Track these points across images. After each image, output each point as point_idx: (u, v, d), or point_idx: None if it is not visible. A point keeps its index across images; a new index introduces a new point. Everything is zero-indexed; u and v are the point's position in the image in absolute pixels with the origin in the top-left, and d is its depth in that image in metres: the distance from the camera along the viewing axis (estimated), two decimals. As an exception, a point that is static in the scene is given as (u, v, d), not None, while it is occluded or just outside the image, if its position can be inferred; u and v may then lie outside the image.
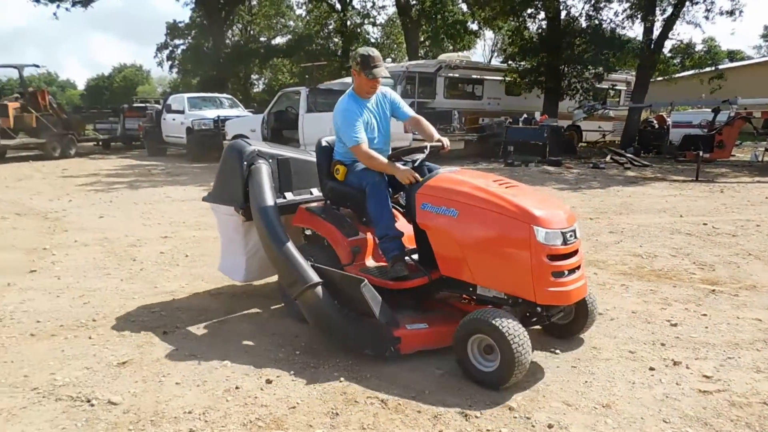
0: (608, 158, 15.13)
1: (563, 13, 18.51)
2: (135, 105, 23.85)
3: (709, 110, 15.51)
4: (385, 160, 3.56)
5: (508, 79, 18.50)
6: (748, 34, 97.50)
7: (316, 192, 4.28)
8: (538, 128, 15.03)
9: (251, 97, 36.60)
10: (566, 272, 3.05)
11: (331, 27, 34.41)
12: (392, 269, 3.49)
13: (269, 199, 3.74)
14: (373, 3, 33.23)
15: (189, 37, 33.32)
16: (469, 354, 3.00)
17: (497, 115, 17.25)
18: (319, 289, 3.33)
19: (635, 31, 18.86)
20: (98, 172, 14.00)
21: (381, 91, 3.84)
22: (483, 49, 48.14)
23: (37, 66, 21.71)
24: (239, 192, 3.94)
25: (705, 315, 3.99)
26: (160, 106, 19.48)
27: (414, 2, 27.01)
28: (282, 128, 13.48)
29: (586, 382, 3.00)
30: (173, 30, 33.34)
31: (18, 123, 17.65)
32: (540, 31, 19.08)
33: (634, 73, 19.80)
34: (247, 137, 12.85)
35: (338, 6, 33.21)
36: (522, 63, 18.76)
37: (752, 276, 4.93)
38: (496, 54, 41.99)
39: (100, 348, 3.50)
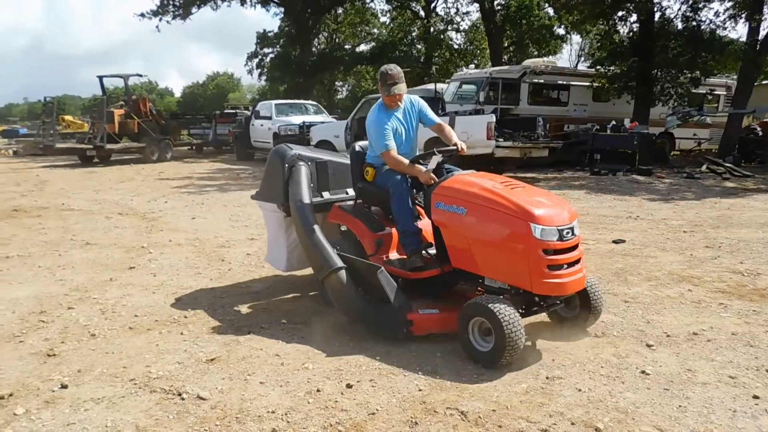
0: (704, 168, 14.24)
1: (657, 15, 17.64)
2: (226, 111, 24.97)
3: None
4: (408, 163, 3.95)
5: (595, 84, 17.86)
6: None
7: (351, 192, 4.65)
8: (627, 135, 14.39)
9: (335, 104, 37.42)
10: (563, 266, 3.35)
11: (414, 34, 34.57)
12: (409, 261, 3.90)
13: (305, 196, 4.20)
14: (457, 9, 33.10)
15: (277, 46, 34.47)
16: (470, 335, 3.36)
17: (583, 121, 16.68)
18: (343, 273, 3.76)
19: (738, 31, 17.68)
20: (191, 175, 14.75)
21: (411, 99, 4.22)
22: (569, 53, 46.79)
23: (140, 75, 23.23)
24: (281, 191, 4.41)
25: (816, 340, 3.66)
26: (249, 113, 20.28)
27: (499, 8, 26.67)
28: (365, 134, 13.62)
29: (680, 406, 2.83)
30: (263, 39, 34.63)
31: (122, 128, 18.96)
32: (631, 34, 18.29)
33: (735, 77, 18.56)
34: (330, 143, 13.16)
35: (422, 13, 33.35)
36: (611, 68, 18.05)
37: None
38: (583, 59, 40.67)
39: (190, 344, 3.67)
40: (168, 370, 3.28)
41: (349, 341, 3.69)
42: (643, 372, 3.20)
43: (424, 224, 4.08)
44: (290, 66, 31.66)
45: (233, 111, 24.76)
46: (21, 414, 2.81)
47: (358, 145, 4.42)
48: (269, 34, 34.46)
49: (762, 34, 16.55)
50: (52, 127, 20.16)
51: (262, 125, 17.71)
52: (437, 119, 4.25)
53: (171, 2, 27.28)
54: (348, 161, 4.56)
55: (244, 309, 4.37)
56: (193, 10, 27.86)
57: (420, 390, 3.01)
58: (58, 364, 3.38)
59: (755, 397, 2.91)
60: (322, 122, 16.61)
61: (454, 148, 3.99)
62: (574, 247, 3.43)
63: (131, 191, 11.53)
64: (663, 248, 6.30)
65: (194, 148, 23.42)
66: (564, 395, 2.94)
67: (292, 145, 4.74)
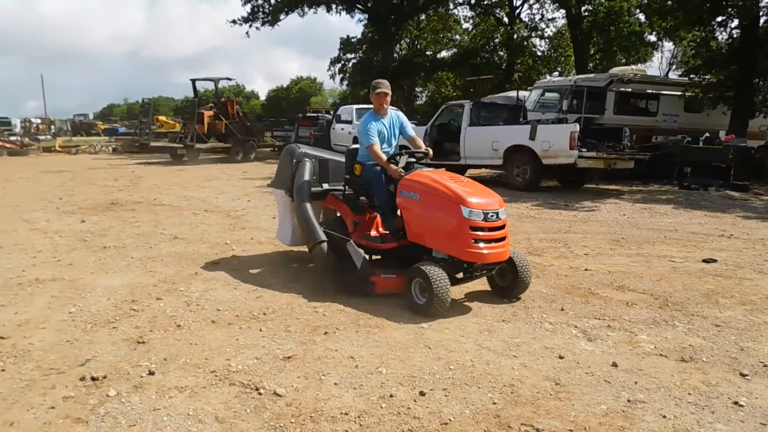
0: (809, 185, 13.19)
1: (762, 20, 16.52)
2: (307, 115, 25.61)
3: None
4: (385, 159, 5.01)
5: (688, 94, 16.95)
6: None
7: None
8: (722, 148, 13.55)
9: (414, 109, 37.50)
10: (486, 240, 4.33)
11: (497, 40, 34.11)
12: (387, 225, 5.03)
13: (305, 185, 5.33)
14: (542, 15, 32.40)
15: (360, 52, 34.96)
16: (412, 292, 4.37)
17: (674, 133, 15.87)
18: (325, 245, 4.94)
19: None
20: (273, 176, 15.20)
21: (396, 113, 5.43)
22: (659, 61, 44.68)
23: (230, 79, 24.11)
24: (289, 181, 5.50)
25: None
26: (330, 116, 20.70)
27: (586, 14, 25.87)
28: (443, 141, 13.59)
29: (778, 443, 2.63)
30: (346, 45, 35.25)
31: (210, 129, 19.87)
32: (731, 40, 17.23)
33: None
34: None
35: (505, 19, 32.85)
36: (707, 76, 17.07)
37: None
38: (674, 67, 38.74)
39: (268, 340, 3.78)
40: (247, 364, 3.39)
41: (424, 348, 3.68)
42: (736, 403, 2.99)
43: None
44: (372, 71, 31.98)
45: (315, 114, 25.37)
46: (113, 396, 2.99)
47: (352, 146, 5.48)
48: (352, 40, 35.03)
49: None
50: (148, 126, 21.43)
51: (342, 129, 18.03)
52: (412, 133, 5.40)
53: (261, 9, 28.33)
54: (344, 160, 5.58)
55: (320, 309, 4.45)
56: (281, 16, 28.80)
57: (494, 403, 2.96)
58: (146, 351, 3.57)
59: None
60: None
61: (422, 151, 5.18)
62: (499, 228, 4.43)
63: (217, 189, 12.03)
64: (760, 270, 5.89)
65: (277, 149, 24.15)
66: (646, 420, 2.80)
67: (301, 145, 5.97)
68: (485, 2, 31.32)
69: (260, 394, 3.03)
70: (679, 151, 14.09)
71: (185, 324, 4.07)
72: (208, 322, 4.12)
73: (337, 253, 4.91)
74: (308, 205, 5.19)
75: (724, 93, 16.43)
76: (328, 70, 36.48)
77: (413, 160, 5.17)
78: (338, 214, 5.54)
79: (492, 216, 4.38)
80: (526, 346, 3.72)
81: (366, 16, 32.17)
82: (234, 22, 28.66)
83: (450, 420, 2.79)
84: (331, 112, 23.01)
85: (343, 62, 35.51)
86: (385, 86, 5.22)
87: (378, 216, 5.22)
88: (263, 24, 28.59)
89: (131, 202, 9.95)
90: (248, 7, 28.39)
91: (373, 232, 5.17)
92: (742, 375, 3.35)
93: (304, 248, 5.63)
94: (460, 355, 3.55)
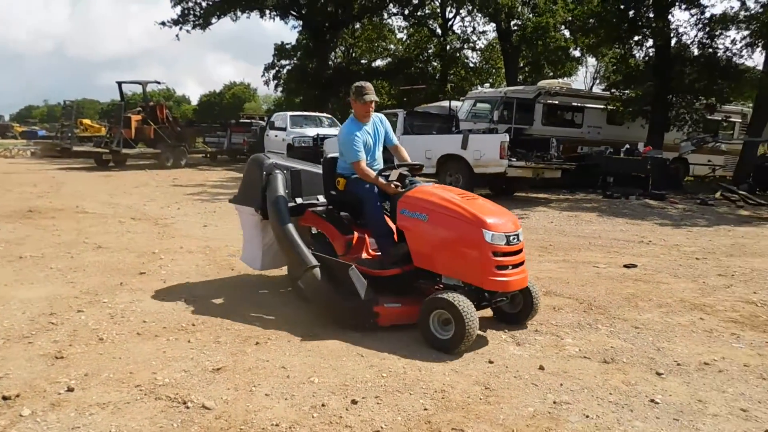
0: (718, 194, 14.13)
1: (673, 41, 17.63)
2: (241, 121, 25.20)
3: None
4: (375, 175, 4.45)
5: (610, 107, 17.83)
6: None
7: (321, 198, 5.06)
8: (641, 159, 14.34)
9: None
10: (509, 266, 3.91)
11: (430, 51, 34.74)
12: (391, 255, 4.33)
13: (282, 201, 4.61)
14: (474, 28, 33.24)
15: (294, 58, 34.72)
16: (431, 325, 3.80)
17: (597, 144, 16.64)
18: (317, 270, 4.20)
19: (755, 60, 17.58)
20: (205, 182, 14.86)
21: (380, 117, 4.79)
22: (584, 76, 46.80)
23: (159, 83, 23.47)
24: (259, 196, 4.80)
25: (831, 376, 3.60)
26: (264, 123, 20.45)
27: (515, 28, 26.77)
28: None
29: (689, 437, 2.79)
30: (280, 51, 34.92)
31: (138, 134, 19.19)
32: (647, 58, 18.28)
33: (750, 105, 18.48)
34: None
35: (438, 31, 33.53)
36: (626, 91, 18.03)
37: None
38: (598, 81, 40.65)
39: (197, 352, 3.68)
40: (174, 377, 3.28)
41: (357, 356, 3.68)
42: (652, 401, 3.15)
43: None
44: (307, 78, 31.88)
45: (248, 121, 25.00)
46: (27, 415, 2.82)
47: (330, 155, 4.89)
48: (287, 46, 34.76)
49: (780, 63, 16.50)
50: (70, 130, 20.46)
51: (276, 136, 17.85)
52: (396, 141, 4.87)
53: (192, 12, 27.61)
54: (319, 170, 5.05)
55: (252, 319, 4.37)
56: (213, 20, 28.13)
57: (426, 409, 2.99)
58: (65, 367, 3.39)
59: None
60: (336, 135, 16.68)
61: (418, 163, 4.60)
62: (519, 251, 4.02)
63: (145, 196, 11.62)
64: (675, 275, 6.25)
65: (209, 156, 23.62)
66: (571, 421, 2.91)
67: (269, 154, 5.33)
68: (418, 13, 31.86)
69: (188, 407, 2.94)
70: (602, 162, 14.77)
71: (108, 337, 3.89)
72: (133, 335, 3.96)
73: (329, 280, 4.25)
74: (292, 227, 4.46)
75: (642, 107, 17.41)
76: (262, 76, 36.00)
77: (406, 173, 4.50)
78: (314, 231, 5.00)
79: (513, 239, 3.95)
80: (458, 351, 3.78)
81: (300, 22, 32.00)
82: (163, 24, 27.80)
83: (382, 427, 2.79)
84: (265, 119, 22.72)
85: (277, 68, 35.14)
86: (372, 92, 4.58)
87: (366, 236, 4.69)
88: (194, 27, 27.86)
89: (52, 210, 9.44)
90: (178, 9, 27.63)
91: (363, 254, 4.62)
92: (658, 374, 3.53)
93: (267, 269, 5.34)
94: (392, 362, 3.57)
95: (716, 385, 3.40)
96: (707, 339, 4.24)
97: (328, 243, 4.70)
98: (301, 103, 32.42)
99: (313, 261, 4.25)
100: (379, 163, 4.73)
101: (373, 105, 4.59)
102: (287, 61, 35.07)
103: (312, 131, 17.23)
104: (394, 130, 13.09)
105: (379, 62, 38.50)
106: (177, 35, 27.87)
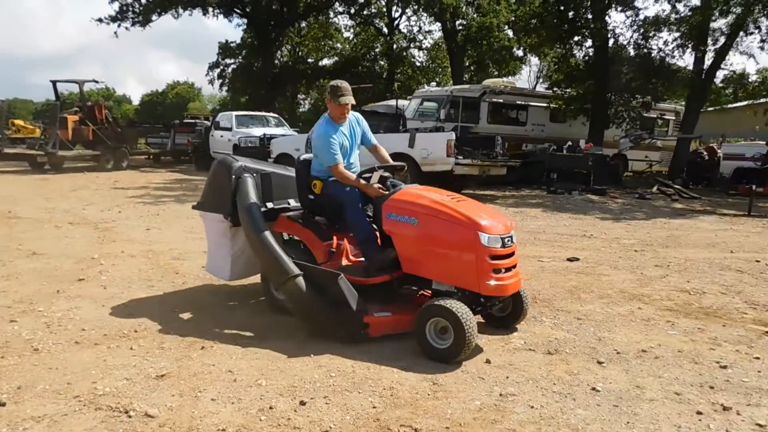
0: (655, 189, 14.76)
1: (611, 42, 18.28)
2: (185, 121, 24.61)
3: (764, 143, 15.01)
4: (354, 177, 4.23)
5: (553, 105, 18.34)
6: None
7: (293, 202, 4.81)
8: (582, 156, 14.80)
9: (297, 117, 37.26)
10: (504, 269, 3.75)
11: (377, 50, 34.86)
12: (376, 263, 4.09)
13: (256, 207, 4.32)
14: (420, 27, 33.67)
15: (239, 57, 34.20)
16: (427, 334, 3.62)
17: (541, 141, 17.08)
18: (300, 280, 3.90)
19: (686, 60, 18.43)
20: (147, 185, 14.44)
21: (356, 117, 4.54)
22: (528, 75, 47.93)
23: (96, 81, 22.47)
24: (228, 201, 4.49)
25: (758, 358, 3.80)
26: (209, 123, 20.05)
27: (460, 28, 27.15)
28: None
29: (628, 423, 2.89)
30: (225, 50, 34.31)
31: (76, 135, 18.45)
32: (587, 58, 18.89)
33: (683, 103, 19.36)
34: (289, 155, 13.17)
35: (385, 30, 33.67)
36: (568, 90, 18.59)
37: (809, 319, 4.70)
38: (541, 80, 41.71)
39: (140, 359, 3.57)
40: (115, 386, 3.18)
41: (304, 357, 3.64)
42: (593, 389, 3.26)
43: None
44: (252, 77, 31.45)
45: (193, 121, 24.43)
46: (-46, 433, 2.67)
47: (303, 157, 4.61)
48: (231, 45, 34.19)
49: (707, 63, 17.36)
50: (1, 131, 19.48)
51: (221, 136, 17.51)
52: (375, 141, 4.62)
53: (130, 8, 26.74)
54: (290, 173, 4.87)
55: (197, 323, 4.27)
56: (153, 17, 27.32)
57: (374, 407, 2.99)
58: (-3, 380, 3.23)
59: (698, 413, 3.00)
60: (284, 135, 16.53)
61: (400, 164, 4.46)
62: (513, 254, 3.88)
63: (84, 200, 11.19)
64: (615, 267, 6.47)
65: (152, 157, 22.97)
66: (516, 412, 2.97)
67: (237, 156, 4.95)
68: (364, 12, 31.91)
69: (130, 416, 2.85)
70: (546, 159, 15.18)
71: (44, 347, 3.73)
72: (71, 344, 3.81)
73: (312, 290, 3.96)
74: (269, 234, 4.16)
75: (583, 105, 17.99)
76: (206, 75, 35.42)
77: (387, 174, 4.36)
78: (285, 237, 4.76)
79: (508, 241, 3.80)
80: (407, 348, 3.80)
81: (245, 20, 31.50)
82: (100, 20, 26.81)
83: (330, 427, 2.78)
84: (210, 119, 22.27)
85: (222, 67, 34.53)
86: (350, 94, 4.29)
87: (346, 242, 4.44)
88: (133, 24, 26.98)
89: (-19, 216, 8.97)
90: (116, 5, 26.70)
91: (344, 261, 4.36)
92: (599, 363, 3.66)
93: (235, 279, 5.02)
94: (341, 362, 3.56)
95: (653, 371, 3.55)
96: (645, 327, 4.41)
97: (304, 250, 4.42)
98: (247, 102, 31.95)
99: (296, 270, 3.93)
100: (356, 166, 4.52)
101: (349, 107, 4.32)
102: (232, 60, 34.54)
103: (258, 131, 16.99)
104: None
105: (326, 61, 38.43)
106: (115, 32, 26.96)
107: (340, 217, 4.32)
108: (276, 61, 33.57)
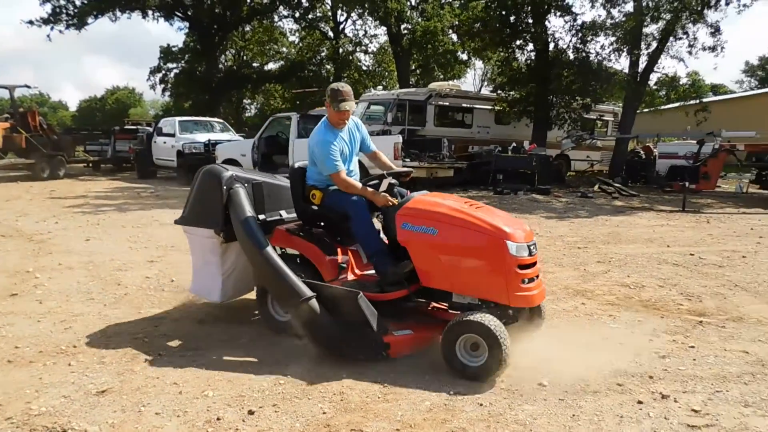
0: (596, 187, 15.25)
1: (551, 45, 18.82)
2: (126, 127, 23.86)
3: (694, 142, 15.74)
4: (361, 186, 3.95)
5: (497, 108, 18.70)
6: (731, 68, 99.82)
7: (284, 214, 4.49)
8: (527, 157, 15.16)
9: (243, 122, 36.74)
10: (530, 279, 3.56)
11: (323, 54, 34.77)
12: (389, 277, 3.80)
13: (253, 220, 3.96)
14: (365, 32, 33.67)
15: (182, 61, 33.48)
16: (458, 352, 3.39)
17: (487, 143, 17.38)
18: (314, 302, 3.59)
19: (621, 64, 19.18)
20: (87, 194, 13.90)
21: (355, 122, 4.30)
22: (473, 78, 48.80)
23: (29, 87, 21.72)
24: (218, 215, 4.10)
25: (693, 347, 3.98)
26: (151, 129, 19.51)
27: (405, 32, 27.39)
28: (272, 153, 13.53)
29: (573, 416, 2.97)
30: (167, 54, 33.53)
31: (7, 143, 17.58)
32: (529, 62, 19.36)
33: (621, 105, 20.10)
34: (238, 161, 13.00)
35: (330, 34, 33.63)
36: (511, 93, 18.99)
37: (739, 308, 4.94)
38: (485, 83, 42.51)
39: (79, 375, 3.42)
40: (52, 405, 3.03)
41: (252, 366, 3.58)
42: (540, 384, 3.32)
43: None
44: (196, 82, 30.84)
45: (134, 127, 23.71)
46: None
47: (298, 164, 4.28)
48: (173, 49, 33.45)
49: (641, 67, 18.10)
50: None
51: (165, 142, 17.07)
52: (374, 147, 4.39)
53: (64, 10, 25.77)
54: (281, 182, 4.57)
55: (140, 335, 4.13)
56: (89, 20, 26.43)
57: (324, 413, 2.97)
58: None
59: (639, 402, 3.11)
60: (229, 140, 16.25)
61: (406, 170, 4.19)
62: (536, 262, 3.67)
63: (17, 211, 10.67)
64: (560, 264, 6.64)
65: (91, 165, 22.12)
66: (466, 411, 3.00)
67: (226, 165, 4.53)
68: (309, 16, 31.78)
69: (68, 436, 2.73)
70: (492, 160, 15.46)
71: (-26, 367, 3.53)
72: (3, 363, 3.62)
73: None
74: (272, 250, 3.83)
75: (526, 107, 18.42)
76: (147, 80, 34.43)
77: (394, 182, 4.04)
78: (280, 252, 4.20)
79: (533, 249, 3.63)
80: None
81: (186, 24, 30.85)
82: (31, 23, 25.71)
83: (280, 436, 2.74)
84: (153, 125, 21.67)
85: (164, 72, 33.75)
86: (351, 99, 4.01)
87: (350, 256, 4.11)
88: (68, 27, 26.02)
89: None
90: (48, 6, 25.65)
91: (350, 276, 4.01)
92: (545, 358, 3.72)
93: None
94: (290, 369, 3.51)
95: (596, 365, 3.63)
96: (588, 322, 4.54)
97: (301, 265, 4.03)
98: (191, 107, 31.28)
99: (308, 291, 3.61)
100: (356, 173, 4.24)
101: (350, 113, 4.07)
102: (174, 65, 33.81)
103: (203, 137, 16.65)
104: (289, 134, 13.11)
105: (271, 65, 38.09)
106: (48, 35, 25.94)
107: (343, 228, 4.06)
108: (220, 66, 33.07)
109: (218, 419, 2.89)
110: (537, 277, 3.66)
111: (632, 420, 2.93)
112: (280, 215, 4.47)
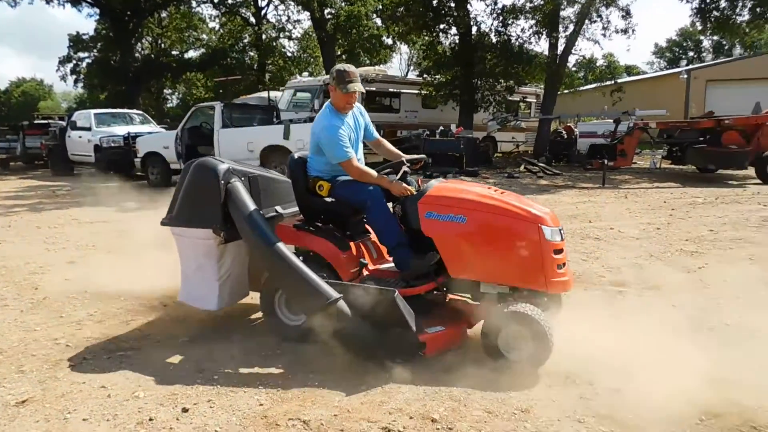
0: (522, 168, 15.75)
1: (474, 29, 19.17)
2: (36, 122, 22.46)
3: (611, 121, 16.49)
4: (377, 174, 3.69)
5: (424, 92, 18.90)
6: (643, 50, 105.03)
7: (280, 209, 4.16)
8: (454, 140, 15.43)
9: (165, 113, 35.43)
10: (563, 264, 3.46)
11: (246, 41, 33.91)
12: (415, 269, 3.59)
13: (258, 217, 3.60)
14: (288, 17, 33.13)
15: (95, 50, 31.81)
16: (500, 345, 3.28)
17: (415, 127, 17.56)
18: (343, 303, 3.32)
19: (541, 46, 19.87)
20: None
21: (360, 108, 4.01)
22: (399, 63, 49.04)
23: None
24: (216, 213, 3.69)
25: (612, 316, 4.18)
26: (64, 123, 18.46)
27: (329, 17, 27.13)
28: (197, 144, 13.14)
29: (508, 388, 3.06)
30: (77, 42, 31.76)
31: None
32: (453, 45, 19.66)
33: (542, 87, 20.79)
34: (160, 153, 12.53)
35: (252, 20, 32.82)
36: (437, 77, 19.24)
37: (655, 277, 5.24)
38: (412, 68, 42.84)
39: (-4, 387, 3.22)
40: (-33, 420, 2.85)
41: (185, 363, 3.49)
42: (474, 361, 3.39)
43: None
44: (110, 72, 29.41)
45: (46, 121, 22.34)
46: None
47: (298, 155, 3.98)
48: (84, 37, 31.72)
49: (560, 49, 18.76)
50: None
51: (80, 137, 16.19)
52: (377, 135, 4.17)
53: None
54: (275, 175, 4.27)
55: (63, 341, 3.93)
56: (-12, 7, 24.67)
57: (261, 405, 2.94)
58: None
59: (567, 377, 3.24)
60: (150, 132, 15.62)
61: (420, 156, 3.96)
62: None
63: None
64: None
65: (-2, 164, 20.74)
66: (402, 392, 3.05)
67: (219, 158, 4.11)
68: (229, 1, 30.93)
69: (-14, 451, 2.57)
70: (420, 144, 15.62)
71: None
72: None
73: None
74: (286, 248, 3.49)
75: (452, 91, 18.72)
76: (57, 70, 32.52)
77: (407, 169, 3.82)
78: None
79: (563, 234, 3.52)
80: (290, 344, 3.75)
81: (97, 10, 29.28)
82: None
83: (216, 431, 2.69)
84: (66, 118, 20.51)
85: (75, 62, 31.98)
86: (358, 80, 3.75)
87: (364, 249, 3.87)
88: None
89: None
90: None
91: (365, 272, 3.80)
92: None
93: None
94: (225, 364, 3.45)
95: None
96: (517, 298, 4.68)
97: (314, 264, 3.62)
98: (107, 99, 29.83)
99: (334, 292, 3.32)
100: (362, 162, 3.93)
101: (356, 96, 3.80)
102: (86, 54, 32.08)
103: (122, 130, 15.91)
104: (212, 124, 12.74)
105: (192, 53, 36.78)
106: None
107: (351, 222, 3.88)
108: (136, 54, 31.67)
109: (150, 420, 2.80)
110: (566, 262, 3.56)
111: (560, 387, 3.06)
112: (276, 211, 4.11)
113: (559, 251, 3.42)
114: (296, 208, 4.13)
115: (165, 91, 39.36)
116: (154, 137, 14.38)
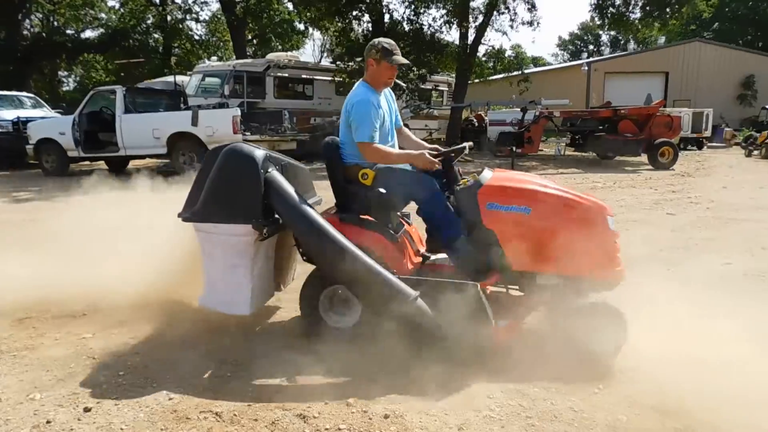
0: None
1: (387, 17, 19.24)
2: None
3: (519, 110, 17.14)
4: (400, 151, 3.55)
5: (337, 79, 18.78)
6: (548, 43, 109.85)
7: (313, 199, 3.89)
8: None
9: (60, 97, 33.10)
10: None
11: (149, 22, 32.26)
12: (475, 264, 3.41)
13: (307, 209, 3.25)
14: (195, -2, 31.81)
15: (-24, 27, 29.15)
16: (585, 338, 3.15)
17: (329, 114, 17.43)
18: (421, 301, 3.15)
19: (453, 36, 20.27)
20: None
21: (389, 91, 3.78)
22: (312, 49, 48.47)
23: None
24: (258, 206, 3.29)
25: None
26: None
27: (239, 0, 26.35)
28: (97, 130, 12.41)
29: (423, 367, 3.12)
30: (-45, 19, 28.95)
31: None
32: (366, 33, 19.64)
33: (454, 75, 21.23)
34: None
35: (156, 0, 31.25)
36: (350, 64, 19.17)
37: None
38: (325, 54, 42.45)
39: None
40: None
41: (88, 360, 3.29)
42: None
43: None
44: (-5, 51, 27.07)
45: None
46: None
47: (331, 138, 3.66)
48: (-38, 13, 28.92)
49: (470, 39, 19.22)
50: None
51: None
52: (402, 122, 3.89)
53: None
54: (295, 162, 3.92)
55: (-56, 342, 3.60)
56: None
57: (170, 399, 2.82)
58: None
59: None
60: (43, 117, 14.55)
61: (466, 145, 3.69)
62: None
63: None
64: (402, 229, 6.90)
65: None
66: (319, 373, 3.06)
67: (253, 143, 3.73)
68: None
69: None
70: (334, 131, 15.50)
71: None
72: None
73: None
74: (350, 244, 3.18)
75: (365, 78, 18.72)
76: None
77: (468, 153, 3.65)
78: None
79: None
80: (202, 335, 3.62)
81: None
82: None
83: (122, 429, 2.56)
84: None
85: (-48, 40, 29.08)
86: (400, 53, 3.55)
87: (407, 242, 3.65)
88: None
89: None
90: None
91: (409, 266, 3.55)
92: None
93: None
94: (131, 359, 3.29)
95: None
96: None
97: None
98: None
99: (411, 290, 3.14)
100: (395, 144, 3.71)
101: (395, 74, 3.57)
102: (-34, 31, 29.24)
103: (10, 114, 14.68)
104: (114, 109, 12.07)
105: (89, 33, 34.52)
106: None
107: (390, 214, 3.58)
108: (25, 32, 29.28)
109: (48, 422, 2.62)
110: None
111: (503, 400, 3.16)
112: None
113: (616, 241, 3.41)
114: (317, 198, 3.95)
115: (60, 73, 36.76)
116: (48, 122, 13.41)
